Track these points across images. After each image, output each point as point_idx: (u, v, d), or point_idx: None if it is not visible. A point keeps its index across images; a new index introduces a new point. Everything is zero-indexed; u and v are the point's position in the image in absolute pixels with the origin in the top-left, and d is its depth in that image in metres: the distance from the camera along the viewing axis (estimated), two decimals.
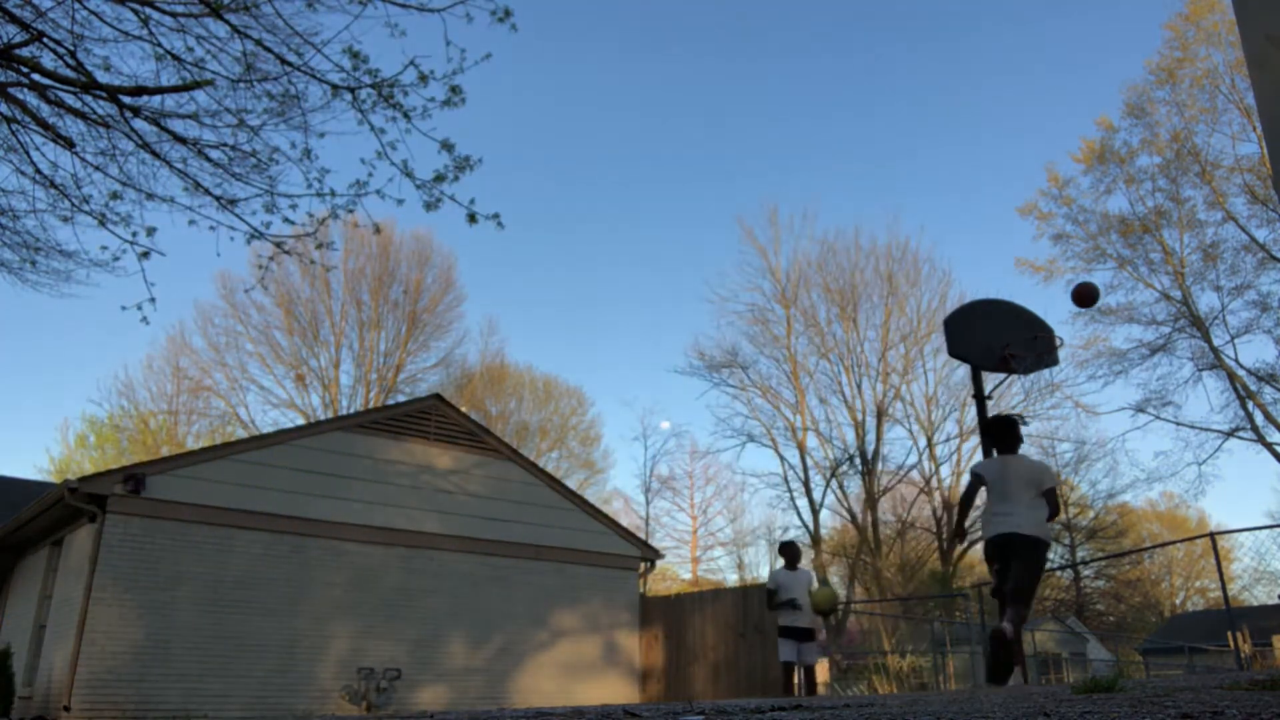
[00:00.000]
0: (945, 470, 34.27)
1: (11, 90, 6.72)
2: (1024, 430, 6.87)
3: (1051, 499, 6.13)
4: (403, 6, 6.51)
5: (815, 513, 33.78)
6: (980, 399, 9.43)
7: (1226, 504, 73.12)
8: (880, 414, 33.81)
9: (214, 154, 7.18)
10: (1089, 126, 46.41)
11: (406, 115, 6.79)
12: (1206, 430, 26.10)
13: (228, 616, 10.99)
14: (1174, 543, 44.60)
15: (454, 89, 6.72)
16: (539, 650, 13.67)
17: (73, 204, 7.37)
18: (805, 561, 10.71)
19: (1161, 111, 26.16)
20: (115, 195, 7.24)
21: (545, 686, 13.46)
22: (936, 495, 33.78)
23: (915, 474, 34.09)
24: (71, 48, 6.41)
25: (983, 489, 6.44)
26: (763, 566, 39.84)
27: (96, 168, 7.20)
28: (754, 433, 35.13)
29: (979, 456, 8.87)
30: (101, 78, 6.71)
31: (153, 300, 7.10)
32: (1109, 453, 44.81)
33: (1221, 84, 24.53)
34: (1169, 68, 25.68)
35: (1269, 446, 24.78)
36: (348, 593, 12.05)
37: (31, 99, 6.87)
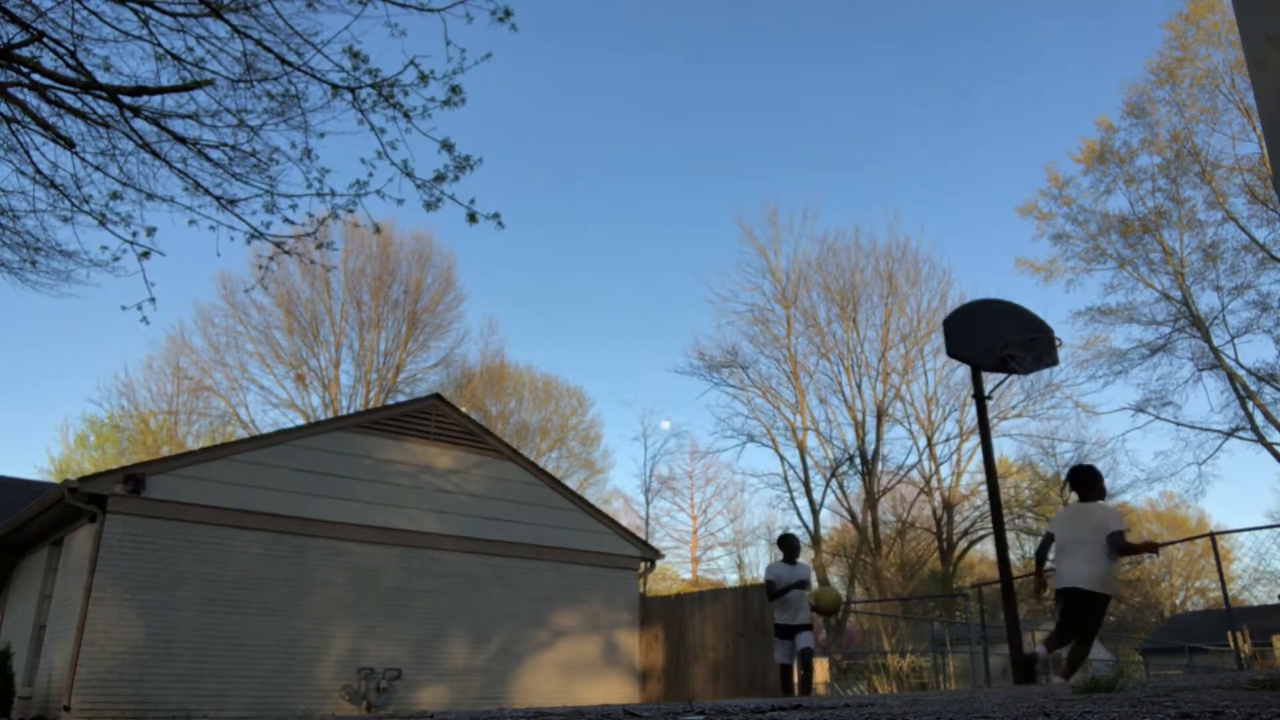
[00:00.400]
0: (945, 470, 34.29)
1: (11, 90, 6.72)
2: (1028, 428, 7.03)
3: (1115, 542, 6.32)
4: (403, 6, 6.51)
5: (815, 513, 33.78)
6: (980, 399, 9.43)
7: (1226, 504, 73.13)
8: (880, 414, 33.80)
9: (214, 154, 7.19)
10: (1089, 126, 46.42)
11: (406, 115, 6.79)
12: (1206, 430, 26.11)
13: (228, 616, 10.99)
14: (1174, 543, 44.55)
15: (454, 89, 6.72)
16: (539, 650, 13.67)
17: (73, 204, 7.37)
18: (804, 558, 10.32)
19: (1161, 111, 26.17)
20: (115, 195, 7.24)
21: (545, 686, 13.46)
22: (936, 495, 33.79)
23: (915, 474, 34.08)
24: (71, 48, 6.41)
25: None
26: (762, 566, 39.83)
27: (96, 168, 7.20)
28: (754, 433, 35.11)
29: (979, 457, 8.95)
30: (101, 78, 6.72)
31: (153, 300, 7.11)
32: (1109, 453, 44.72)
33: (1221, 84, 24.54)
34: (1169, 68, 25.68)
35: (1269, 446, 24.79)
36: (348, 593, 12.05)
37: (31, 99, 6.87)
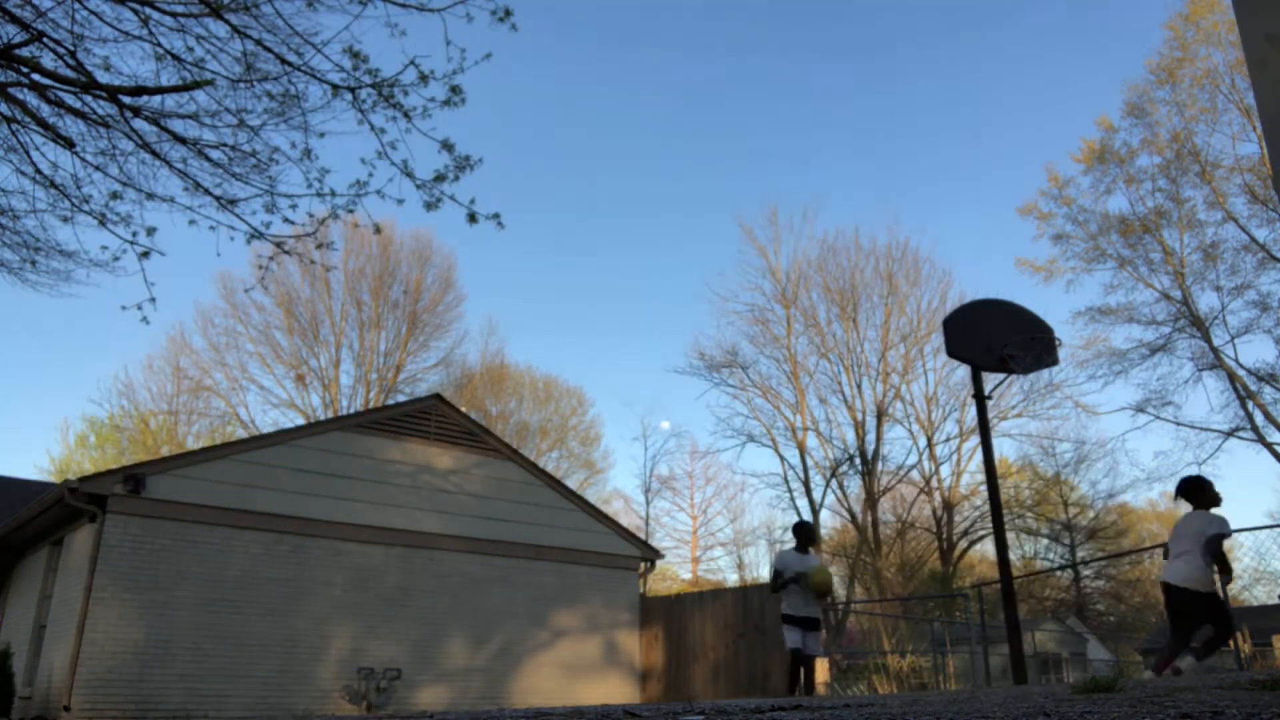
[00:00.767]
0: (945, 470, 34.30)
1: (11, 90, 6.72)
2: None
3: (1210, 547, 6.40)
4: (403, 6, 6.51)
5: (815, 513, 33.77)
6: (980, 399, 9.43)
7: (1227, 504, 72.86)
8: (880, 414, 33.80)
9: (214, 154, 7.18)
10: (1089, 126, 46.45)
11: (406, 115, 6.79)
12: (1206, 430, 26.11)
13: (228, 616, 10.99)
14: None
15: (454, 89, 6.71)
16: (539, 650, 13.67)
17: (73, 204, 7.37)
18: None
19: (1161, 111, 26.17)
20: (115, 195, 7.23)
21: (545, 686, 13.46)
22: (936, 495, 33.79)
23: (915, 474, 34.11)
24: (71, 48, 6.41)
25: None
26: (763, 566, 39.86)
27: (96, 168, 7.20)
28: (754, 433, 35.13)
29: (979, 457, 9.00)
30: (101, 78, 6.72)
31: (153, 300, 7.10)
32: (1109, 453, 44.92)
33: (1221, 84, 24.54)
34: (1169, 68, 25.68)
35: (1269, 446, 24.78)
36: (348, 593, 12.05)
37: (31, 99, 6.87)
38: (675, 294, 63.73)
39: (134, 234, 7.18)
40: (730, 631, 13.54)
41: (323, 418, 30.88)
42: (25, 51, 6.37)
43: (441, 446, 13.56)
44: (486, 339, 50.06)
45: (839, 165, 58.69)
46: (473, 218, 6.96)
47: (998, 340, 9.54)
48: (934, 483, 33.92)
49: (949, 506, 33.36)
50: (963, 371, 30.66)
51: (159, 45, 6.62)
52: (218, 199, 7.27)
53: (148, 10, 6.45)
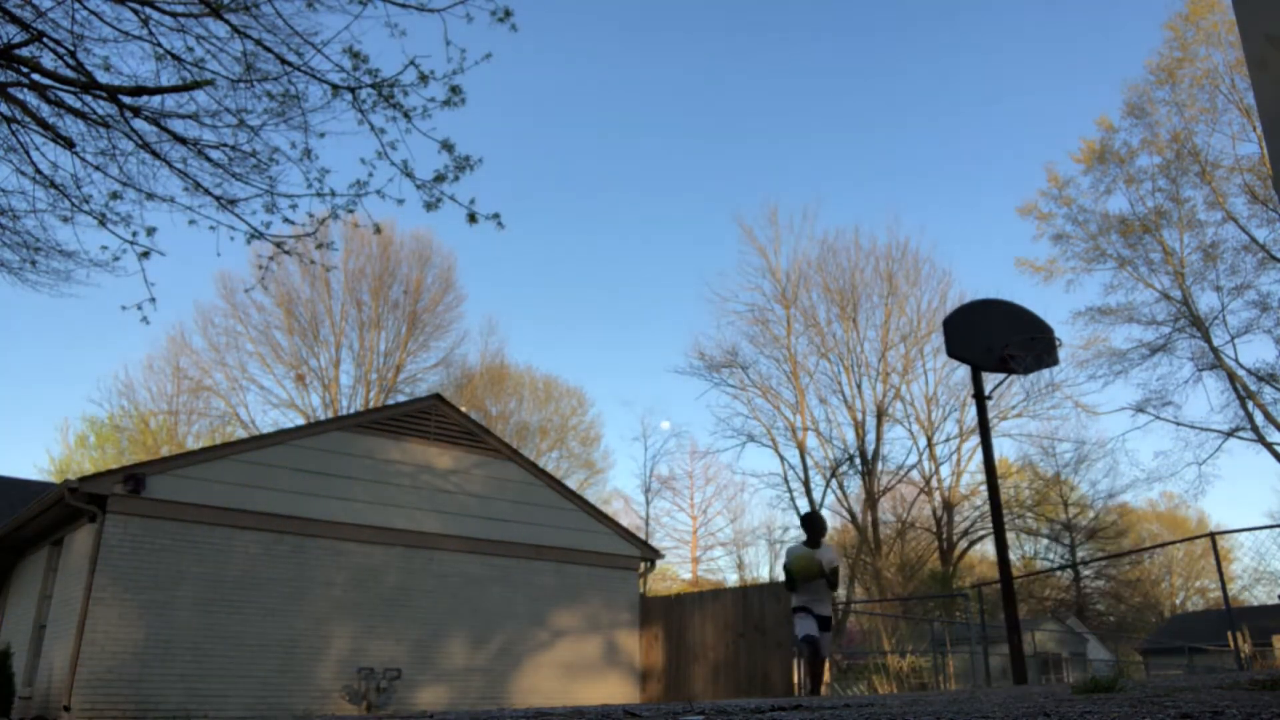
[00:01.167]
0: (945, 470, 34.30)
1: (11, 90, 6.72)
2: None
3: None
4: (403, 6, 6.51)
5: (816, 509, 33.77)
6: (980, 399, 9.43)
7: (1226, 504, 73.11)
8: (880, 414, 33.80)
9: (214, 154, 7.18)
10: (1089, 126, 46.42)
11: (407, 115, 6.79)
12: (1206, 430, 26.11)
13: (228, 616, 10.99)
14: (1174, 543, 44.59)
15: (454, 89, 6.71)
16: (539, 650, 13.67)
17: (73, 204, 7.37)
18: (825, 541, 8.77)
19: (1161, 111, 26.17)
20: (115, 195, 7.23)
21: (545, 686, 13.46)
22: (936, 495, 33.79)
23: (915, 474, 34.11)
24: (71, 48, 6.41)
25: None
26: (762, 567, 39.86)
27: (96, 168, 7.20)
28: (754, 433, 35.13)
29: (979, 457, 8.97)
30: (101, 78, 6.72)
31: (153, 300, 7.10)
32: (1109, 453, 44.87)
33: (1221, 84, 24.54)
34: (1169, 68, 25.68)
35: (1269, 446, 24.78)
36: (348, 593, 12.05)
37: (31, 99, 6.87)
38: (675, 294, 63.77)
39: (134, 234, 7.19)
40: (730, 631, 13.54)
41: (323, 418, 30.88)
42: (25, 51, 6.37)
43: (441, 446, 13.56)
44: (486, 339, 50.08)
45: (839, 165, 58.72)
46: (473, 218, 6.96)
47: (998, 340, 9.54)
48: (934, 483, 33.94)
49: (949, 506, 33.37)
50: (963, 371, 30.67)
51: (159, 45, 6.63)
52: (218, 199, 7.28)
53: (148, 10, 6.45)
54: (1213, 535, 11.57)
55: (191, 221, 7.28)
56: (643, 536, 20.67)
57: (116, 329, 56.61)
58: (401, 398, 32.78)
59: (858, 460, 33.74)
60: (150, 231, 7.21)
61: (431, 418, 13.64)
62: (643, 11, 60.19)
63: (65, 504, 10.49)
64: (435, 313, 35.97)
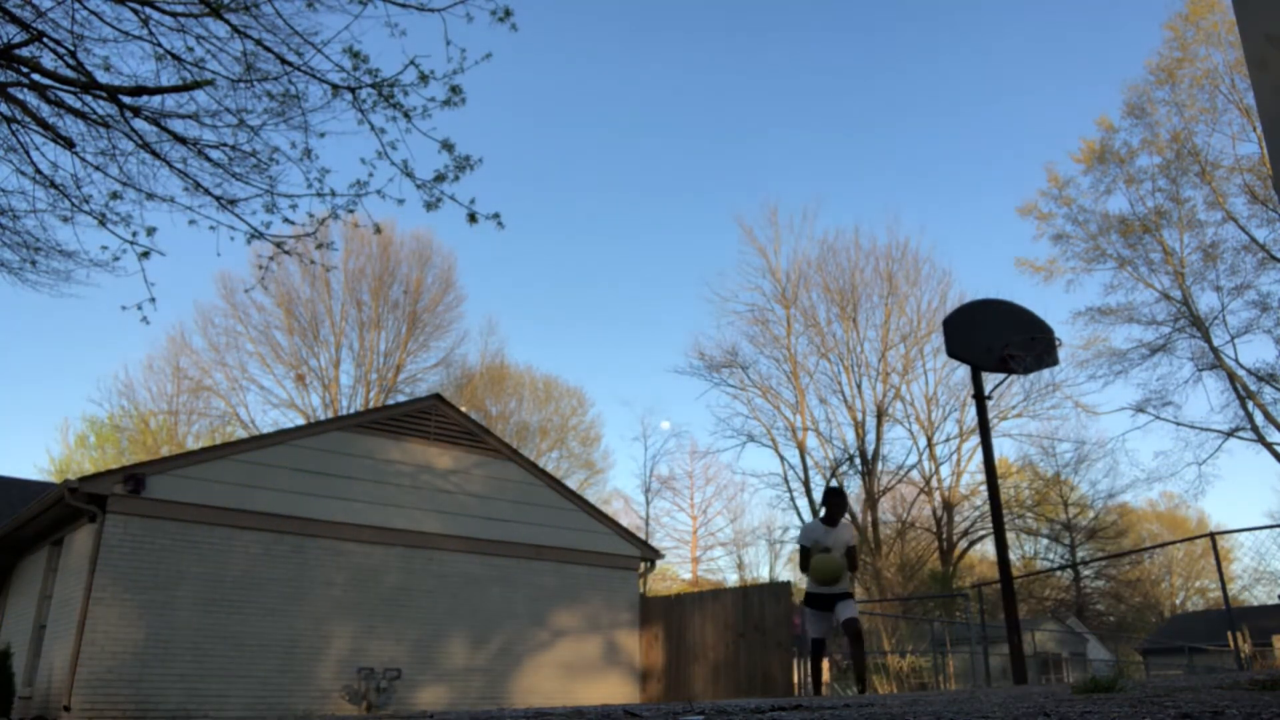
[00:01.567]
0: (945, 470, 34.30)
1: (11, 90, 6.72)
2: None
3: None
4: (403, 6, 6.51)
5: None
6: (980, 399, 9.43)
7: (1226, 504, 73.12)
8: (880, 414, 33.81)
9: (214, 154, 7.18)
10: (1089, 126, 46.42)
11: (407, 115, 6.78)
12: (1206, 430, 26.13)
13: (228, 616, 10.99)
14: (1174, 543, 44.62)
15: (454, 89, 6.71)
16: (539, 650, 13.67)
17: (73, 204, 7.37)
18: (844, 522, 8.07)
19: (1161, 111, 26.18)
20: (115, 195, 7.23)
21: (545, 686, 13.46)
22: (936, 495, 33.79)
23: (915, 474, 34.12)
24: (71, 48, 6.41)
25: None
26: (763, 567, 39.87)
27: (96, 168, 7.20)
28: (754, 433, 35.15)
29: (979, 457, 8.95)
30: (101, 78, 6.71)
31: (153, 300, 7.10)
32: (1109, 453, 44.92)
33: (1221, 84, 24.55)
34: (1169, 68, 25.69)
35: (1269, 446, 24.79)
36: (348, 593, 12.05)
37: (31, 99, 6.87)
38: (675, 294, 63.76)
39: (134, 234, 7.18)
40: (730, 631, 13.54)
41: (323, 418, 30.88)
42: (25, 51, 6.37)
43: (441, 446, 13.56)
44: (486, 339, 50.01)
45: (839, 165, 58.73)
46: (473, 218, 6.96)
47: (998, 340, 9.54)
48: (934, 483, 33.94)
49: (949, 506, 33.37)
50: (963, 371, 30.67)
51: (159, 45, 6.63)
52: (218, 199, 7.27)
53: (148, 10, 6.45)
54: (1213, 535, 11.56)
55: (191, 221, 7.28)
56: (643, 536, 20.67)
57: (116, 329, 56.66)
58: (401, 398, 32.80)
59: (858, 460, 33.76)
60: (150, 231, 7.21)
61: (431, 418, 13.64)
62: (643, 12, 60.22)
63: (65, 504, 10.49)
64: (435, 313, 36.00)
